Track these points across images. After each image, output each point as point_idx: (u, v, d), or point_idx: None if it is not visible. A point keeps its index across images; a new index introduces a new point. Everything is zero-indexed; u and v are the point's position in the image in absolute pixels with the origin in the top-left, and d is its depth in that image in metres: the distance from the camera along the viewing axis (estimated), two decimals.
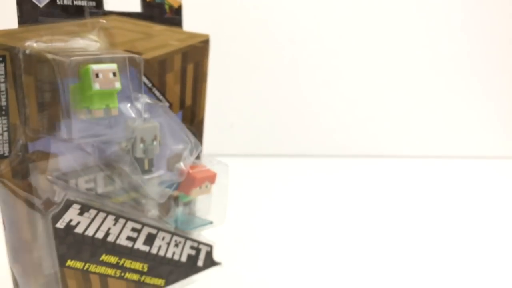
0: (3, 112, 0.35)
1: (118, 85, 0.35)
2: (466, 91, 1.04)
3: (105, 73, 0.34)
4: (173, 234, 0.44)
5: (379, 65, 1.02)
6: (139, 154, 0.39)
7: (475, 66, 1.03)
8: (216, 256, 0.48)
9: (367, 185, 0.86)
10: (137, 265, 0.41)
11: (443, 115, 1.05)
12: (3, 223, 0.37)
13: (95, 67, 0.34)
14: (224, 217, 0.47)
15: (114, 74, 0.35)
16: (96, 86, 0.34)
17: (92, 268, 0.39)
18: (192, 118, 0.48)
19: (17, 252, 0.38)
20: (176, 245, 0.44)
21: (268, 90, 1.00)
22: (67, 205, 0.36)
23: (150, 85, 0.43)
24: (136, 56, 0.37)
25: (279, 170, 0.94)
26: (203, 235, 0.47)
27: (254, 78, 0.99)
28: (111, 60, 0.35)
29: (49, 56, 0.34)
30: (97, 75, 0.34)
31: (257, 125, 1.01)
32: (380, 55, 1.01)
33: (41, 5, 0.36)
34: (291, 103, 1.01)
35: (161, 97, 0.44)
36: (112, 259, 0.40)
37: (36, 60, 0.35)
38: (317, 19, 0.98)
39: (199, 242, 0.46)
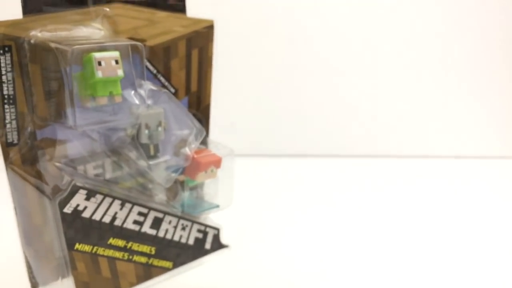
0: (11, 101, 0.36)
1: (120, 72, 0.36)
2: (466, 91, 1.03)
3: (108, 61, 0.35)
4: (180, 217, 0.45)
5: (379, 65, 1.01)
6: (144, 140, 0.40)
7: (475, 66, 1.02)
8: (223, 239, 0.49)
9: (367, 185, 0.86)
10: (145, 248, 0.43)
11: (443, 115, 1.04)
12: (15, 209, 0.38)
13: (97, 55, 0.35)
14: (231, 200, 0.47)
15: (117, 62, 0.35)
16: (99, 74, 0.34)
17: (100, 251, 0.40)
18: (199, 103, 0.48)
19: (29, 236, 0.39)
20: (183, 228, 0.45)
21: (269, 90, 1.00)
22: (74, 190, 0.37)
23: (155, 71, 0.43)
24: (138, 43, 0.38)
25: (279, 170, 0.94)
26: (211, 218, 0.48)
27: (255, 78, 0.99)
28: (114, 48, 0.36)
29: (53, 45, 0.34)
30: (99, 63, 0.35)
31: (257, 125, 1.01)
32: (381, 55, 1.00)
33: None
34: (292, 103, 1.01)
35: (166, 84, 0.45)
36: (120, 243, 0.41)
37: (41, 49, 0.35)
38: (318, 19, 0.97)
39: (206, 226, 0.47)
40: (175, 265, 0.45)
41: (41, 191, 0.38)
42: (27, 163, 0.37)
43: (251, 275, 0.54)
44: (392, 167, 0.97)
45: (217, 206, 0.47)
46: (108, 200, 0.39)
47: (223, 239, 0.49)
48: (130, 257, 0.42)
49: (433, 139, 1.05)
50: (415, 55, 1.00)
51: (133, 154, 0.40)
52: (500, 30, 1.00)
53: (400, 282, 0.54)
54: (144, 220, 0.42)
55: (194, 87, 0.47)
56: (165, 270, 0.45)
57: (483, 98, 1.04)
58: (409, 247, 0.62)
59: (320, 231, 0.66)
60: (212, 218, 0.48)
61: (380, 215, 0.72)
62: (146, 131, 0.40)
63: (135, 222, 0.41)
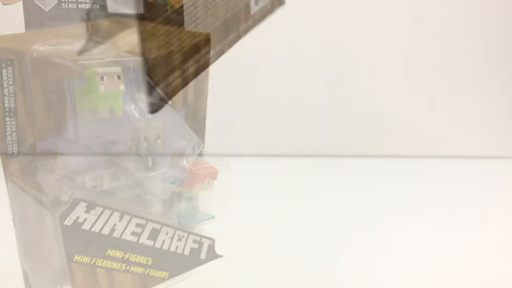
0: (12, 113, 0.36)
1: (122, 87, 0.36)
2: (466, 91, 1.04)
3: (110, 76, 0.36)
4: (176, 228, 0.45)
5: (379, 65, 1.01)
6: (142, 152, 0.40)
7: (475, 66, 1.03)
8: (217, 249, 0.50)
9: (367, 185, 0.86)
10: (142, 259, 0.43)
11: (444, 115, 1.05)
12: (13, 220, 0.38)
13: (100, 70, 0.35)
14: (226, 212, 0.48)
15: (119, 77, 0.36)
16: (102, 88, 0.35)
17: (99, 262, 0.40)
18: (195, 115, 0.49)
19: (27, 246, 0.39)
20: (179, 239, 0.46)
21: (269, 90, 1.00)
22: (74, 203, 0.37)
23: (152, 83, 0.44)
24: (140, 58, 0.38)
25: (279, 170, 0.94)
26: (206, 229, 0.49)
27: (254, 78, 0.99)
28: (116, 63, 0.37)
29: (56, 60, 0.35)
30: (102, 78, 0.35)
31: (257, 125, 1.01)
32: (380, 55, 1.01)
33: (47, 9, 0.37)
34: (291, 103, 1.01)
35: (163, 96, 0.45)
36: (118, 254, 0.41)
37: (43, 63, 0.36)
38: (317, 19, 0.98)
39: (202, 236, 0.48)
40: (171, 275, 0.46)
41: (40, 202, 0.38)
42: (27, 175, 0.38)
43: (246, 284, 0.55)
44: (392, 167, 0.97)
45: (213, 217, 0.47)
46: (107, 212, 0.39)
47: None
48: (128, 267, 0.42)
49: (433, 139, 1.05)
50: (415, 55, 1.01)
51: (131, 165, 0.41)
52: (500, 30, 1.01)
53: (399, 282, 0.55)
54: (142, 231, 0.42)
55: (191, 99, 0.48)
56: (161, 280, 0.45)
57: (483, 98, 1.04)
58: (409, 247, 0.63)
59: (320, 233, 0.66)
60: (208, 226, 0.49)
61: (380, 215, 0.72)
62: (145, 144, 0.40)
63: (133, 233, 0.42)
